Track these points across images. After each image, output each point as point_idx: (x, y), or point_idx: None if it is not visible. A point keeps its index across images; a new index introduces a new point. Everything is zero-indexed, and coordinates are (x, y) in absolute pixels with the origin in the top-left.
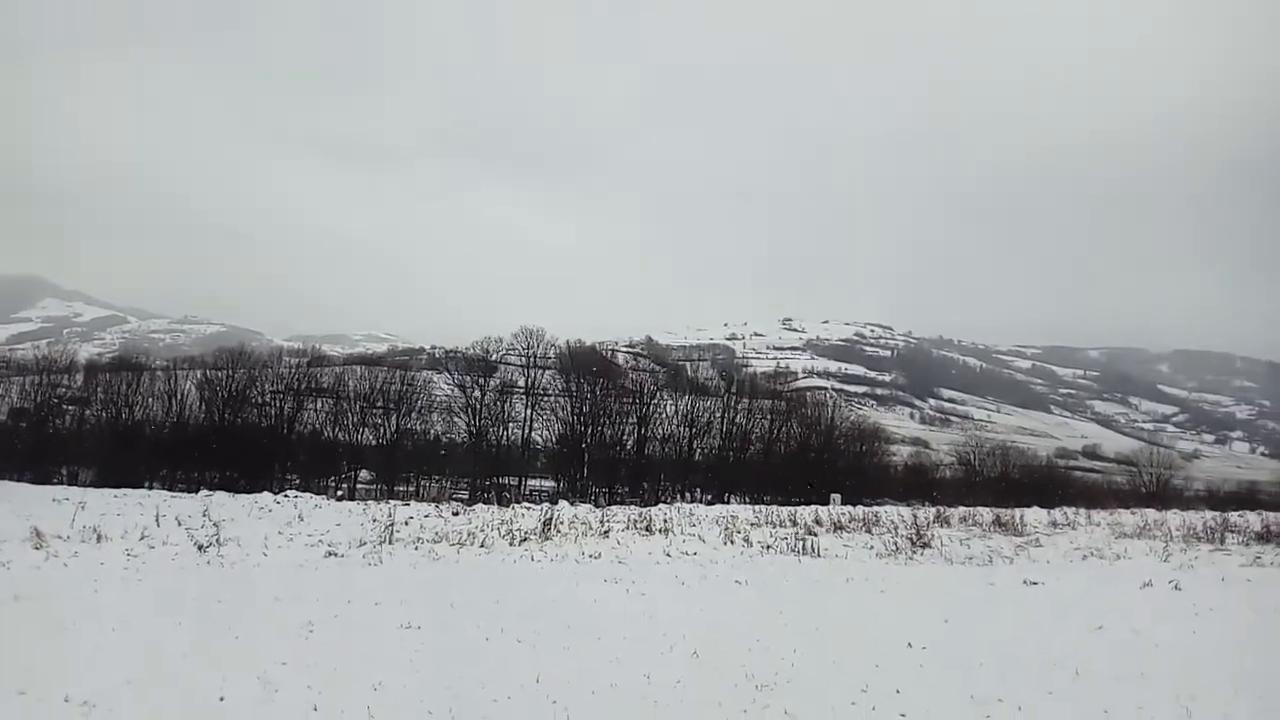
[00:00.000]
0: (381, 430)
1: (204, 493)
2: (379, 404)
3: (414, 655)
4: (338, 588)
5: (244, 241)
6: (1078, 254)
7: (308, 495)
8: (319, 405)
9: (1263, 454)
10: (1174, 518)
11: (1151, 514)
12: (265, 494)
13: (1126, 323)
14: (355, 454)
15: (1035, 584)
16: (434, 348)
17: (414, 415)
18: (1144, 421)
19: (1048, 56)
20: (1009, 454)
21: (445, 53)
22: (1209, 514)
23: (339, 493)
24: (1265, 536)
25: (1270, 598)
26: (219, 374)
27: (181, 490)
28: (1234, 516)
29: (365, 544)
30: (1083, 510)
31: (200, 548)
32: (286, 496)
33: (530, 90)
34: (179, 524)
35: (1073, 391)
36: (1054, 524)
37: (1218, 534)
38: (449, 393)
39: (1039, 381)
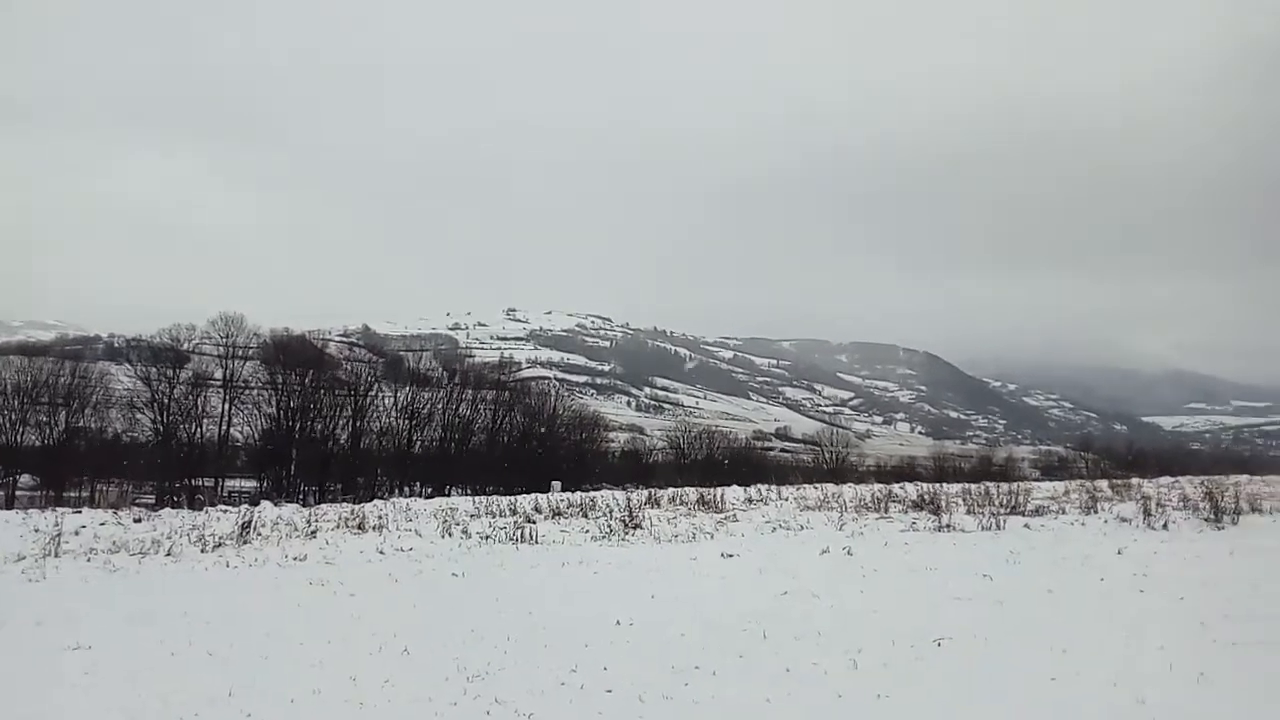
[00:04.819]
0: (47, 430)
1: None
2: (44, 399)
3: (84, 677)
4: None
5: None
6: (780, 251)
7: None
8: None
9: (920, 433)
10: (848, 491)
11: (831, 488)
12: None
13: (813, 317)
14: (14, 457)
15: (731, 556)
16: (113, 336)
17: (88, 412)
18: (826, 406)
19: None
20: (714, 437)
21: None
22: (877, 486)
23: None
24: (920, 504)
25: (921, 557)
26: None
27: None
28: (896, 488)
29: (25, 558)
30: (775, 487)
31: None
32: None
33: (223, 61)
34: None
35: (768, 379)
36: (749, 500)
37: (883, 503)
38: (131, 386)
39: (740, 370)
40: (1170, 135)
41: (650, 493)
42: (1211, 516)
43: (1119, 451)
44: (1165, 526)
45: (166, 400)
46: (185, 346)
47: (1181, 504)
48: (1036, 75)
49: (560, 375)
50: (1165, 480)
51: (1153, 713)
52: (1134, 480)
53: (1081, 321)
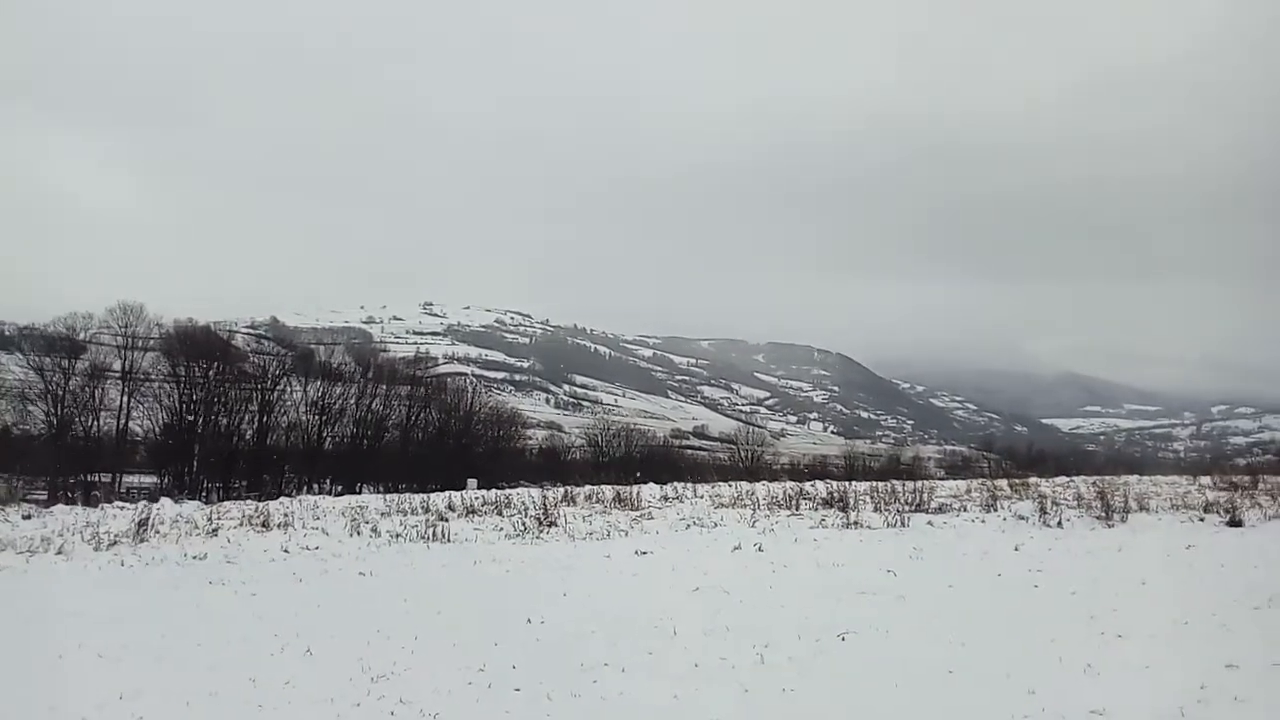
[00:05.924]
0: None
1: None
2: None
3: None
4: None
5: None
6: (699, 252)
7: None
8: None
9: (833, 432)
10: (762, 488)
11: (745, 486)
12: None
13: (731, 318)
14: None
15: (645, 553)
16: (2, 323)
17: None
18: (743, 405)
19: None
20: (632, 435)
21: None
22: (789, 484)
23: None
24: (829, 502)
25: (829, 553)
26: None
27: None
28: (808, 486)
29: None
30: (691, 484)
31: None
32: None
33: (124, 41)
34: None
35: (686, 378)
36: (665, 498)
37: (794, 501)
38: (23, 376)
39: (659, 369)
40: (1076, 154)
41: (567, 490)
42: (1103, 515)
43: (1019, 452)
44: (1060, 524)
45: (61, 392)
46: (81, 336)
47: (1076, 503)
48: (947, 92)
49: (478, 371)
50: (1061, 480)
51: (1041, 703)
52: (1032, 480)
53: (986, 326)
